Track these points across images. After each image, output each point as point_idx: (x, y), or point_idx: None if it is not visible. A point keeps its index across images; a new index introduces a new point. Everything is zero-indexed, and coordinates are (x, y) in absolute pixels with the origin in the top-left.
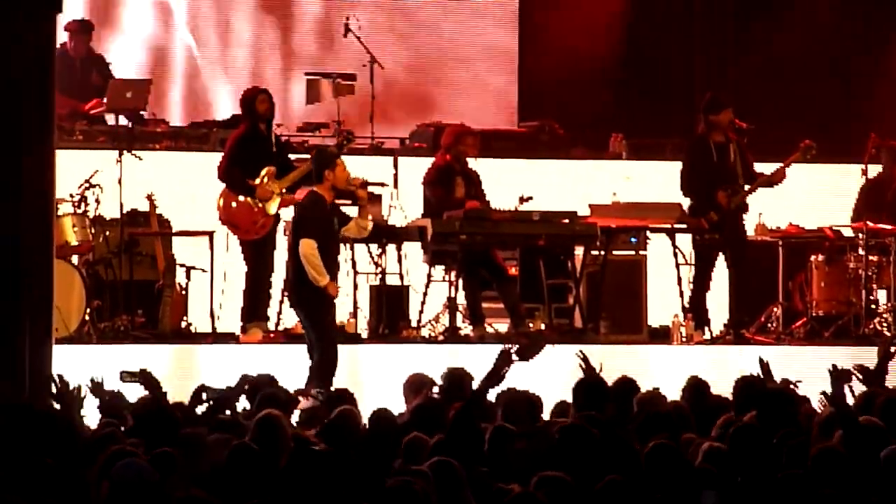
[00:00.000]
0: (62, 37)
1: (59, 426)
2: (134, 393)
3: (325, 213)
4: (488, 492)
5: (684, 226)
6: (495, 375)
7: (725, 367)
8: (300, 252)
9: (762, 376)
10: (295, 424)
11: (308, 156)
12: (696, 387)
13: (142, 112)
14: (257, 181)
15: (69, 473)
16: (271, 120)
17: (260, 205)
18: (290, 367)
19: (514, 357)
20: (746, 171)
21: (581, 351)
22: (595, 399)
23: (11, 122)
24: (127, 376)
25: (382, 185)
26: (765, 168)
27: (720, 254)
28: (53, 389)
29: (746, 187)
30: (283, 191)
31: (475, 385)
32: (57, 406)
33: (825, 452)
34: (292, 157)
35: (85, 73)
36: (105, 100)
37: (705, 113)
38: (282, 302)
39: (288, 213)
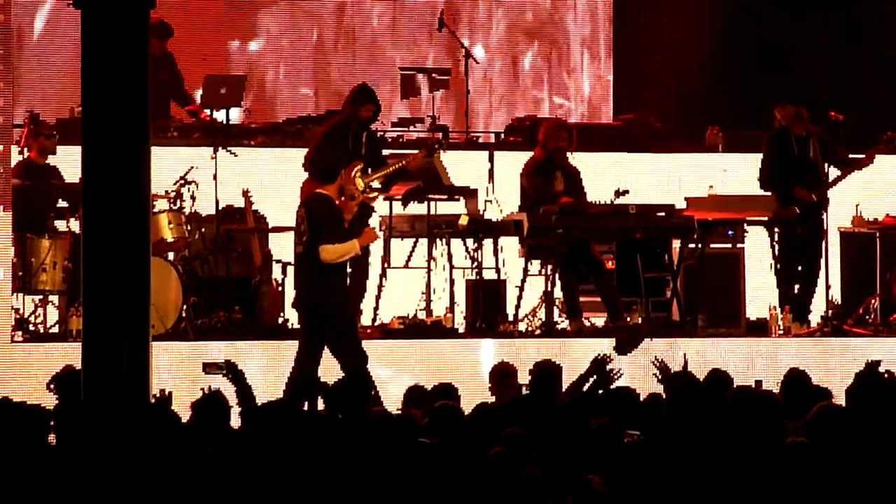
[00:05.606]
0: None
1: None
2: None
3: (339, 215)
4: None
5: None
6: (603, 377)
7: (824, 359)
8: (325, 259)
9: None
10: None
11: (405, 151)
12: (798, 378)
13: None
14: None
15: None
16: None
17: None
18: (387, 363)
19: (613, 355)
20: (834, 163)
21: (658, 358)
22: (688, 395)
23: (106, 118)
24: (210, 368)
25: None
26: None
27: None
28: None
29: (835, 175)
30: (370, 186)
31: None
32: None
33: None
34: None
35: (153, 71)
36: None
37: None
38: (378, 297)
39: (383, 208)
